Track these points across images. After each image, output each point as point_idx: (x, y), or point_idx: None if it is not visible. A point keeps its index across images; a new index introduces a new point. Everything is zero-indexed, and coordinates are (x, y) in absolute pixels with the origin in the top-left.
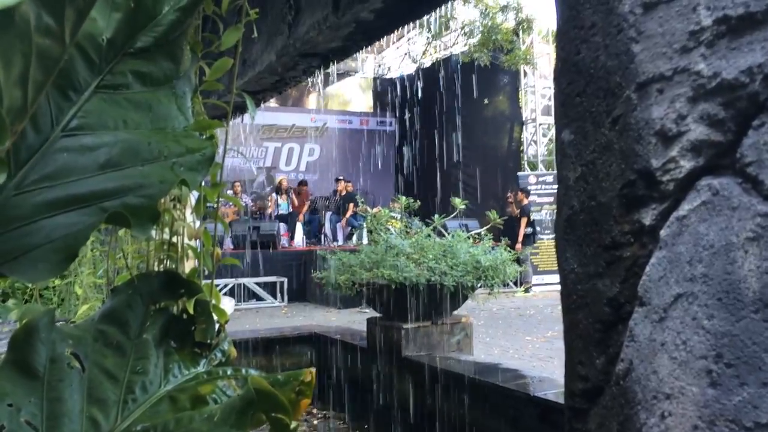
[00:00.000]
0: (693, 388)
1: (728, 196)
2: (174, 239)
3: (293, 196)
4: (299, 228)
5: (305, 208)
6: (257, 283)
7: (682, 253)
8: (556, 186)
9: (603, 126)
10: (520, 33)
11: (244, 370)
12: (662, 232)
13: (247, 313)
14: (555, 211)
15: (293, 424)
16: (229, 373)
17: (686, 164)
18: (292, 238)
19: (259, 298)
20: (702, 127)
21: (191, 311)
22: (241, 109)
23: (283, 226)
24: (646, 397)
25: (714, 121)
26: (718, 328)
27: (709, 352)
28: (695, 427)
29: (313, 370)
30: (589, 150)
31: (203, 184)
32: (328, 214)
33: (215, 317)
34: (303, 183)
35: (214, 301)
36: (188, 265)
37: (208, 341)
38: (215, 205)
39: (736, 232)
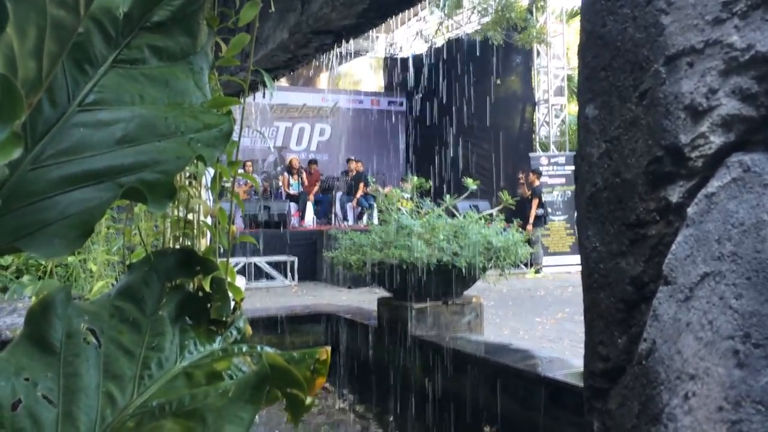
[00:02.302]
0: (719, 369)
1: (760, 173)
2: (190, 216)
3: (304, 176)
4: (309, 207)
5: (316, 187)
6: (268, 262)
7: (710, 231)
8: (567, 167)
9: (629, 101)
10: (534, 11)
11: (259, 348)
12: (689, 210)
13: (258, 291)
14: (566, 192)
15: (308, 400)
16: (244, 350)
17: (716, 140)
18: (302, 217)
19: (270, 277)
20: (734, 102)
21: (207, 289)
22: (252, 88)
23: (293, 205)
24: (669, 377)
25: (746, 95)
26: (746, 307)
27: (737, 332)
28: (720, 408)
29: (329, 348)
30: (614, 125)
31: (218, 162)
32: (339, 194)
33: (230, 295)
34: (313, 162)
35: (229, 279)
36: (203, 243)
37: (224, 318)
38: (230, 184)
39: (767, 210)
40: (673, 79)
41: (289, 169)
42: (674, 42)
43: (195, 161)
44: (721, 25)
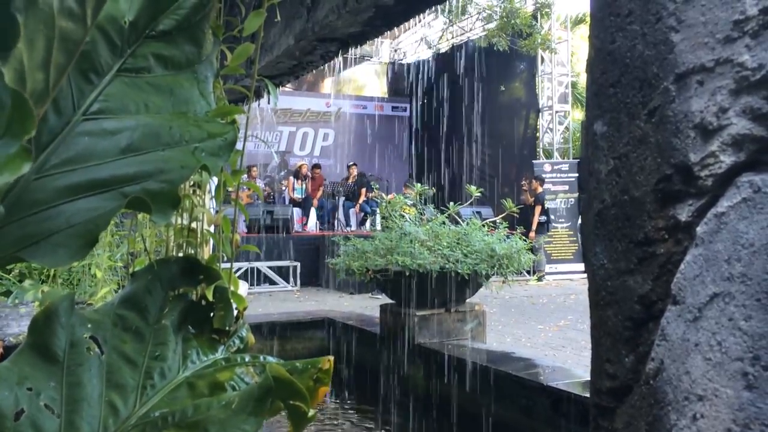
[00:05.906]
0: (727, 391)
1: None
2: (193, 225)
3: (308, 181)
4: (313, 213)
5: (319, 192)
6: (270, 267)
7: (719, 251)
8: (571, 174)
9: (638, 118)
10: (539, 18)
11: (262, 358)
12: (699, 229)
13: (260, 296)
14: (569, 199)
15: (311, 412)
16: (247, 360)
17: (726, 159)
18: (305, 223)
19: (272, 282)
20: (744, 121)
21: (210, 297)
22: (256, 94)
23: (297, 210)
24: (677, 397)
25: (757, 115)
26: (756, 329)
27: (746, 354)
28: (728, 430)
29: (332, 358)
30: (623, 142)
31: (222, 170)
32: (341, 199)
33: (233, 304)
34: (316, 166)
35: (232, 288)
36: (206, 251)
37: (227, 328)
38: (234, 191)
39: None
40: (683, 97)
41: (296, 174)
42: (684, 60)
43: (199, 170)
44: (732, 44)
